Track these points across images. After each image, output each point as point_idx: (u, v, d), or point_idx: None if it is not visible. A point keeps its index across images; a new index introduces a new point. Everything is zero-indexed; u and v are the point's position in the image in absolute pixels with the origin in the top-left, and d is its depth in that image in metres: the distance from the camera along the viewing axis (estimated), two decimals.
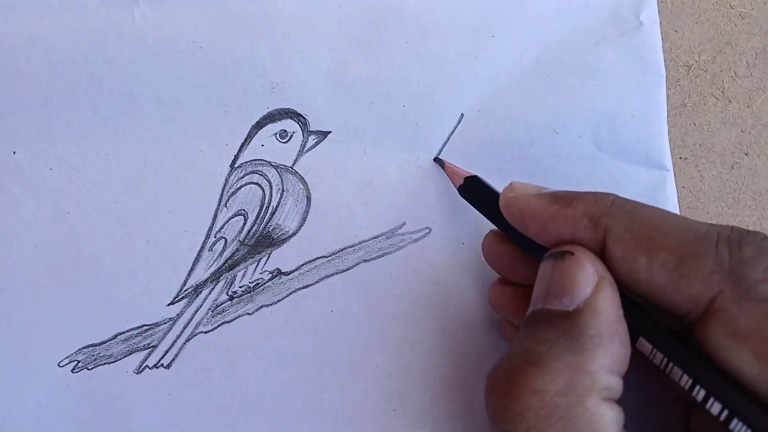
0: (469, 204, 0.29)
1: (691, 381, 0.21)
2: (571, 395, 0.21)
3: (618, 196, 0.23)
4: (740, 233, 0.21)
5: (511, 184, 0.26)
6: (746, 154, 0.35)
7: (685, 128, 0.34)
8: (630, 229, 0.22)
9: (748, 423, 0.20)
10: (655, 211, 0.22)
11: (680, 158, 0.34)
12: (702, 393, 0.21)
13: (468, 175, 0.29)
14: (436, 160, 0.31)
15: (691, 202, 0.34)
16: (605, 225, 0.22)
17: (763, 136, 0.35)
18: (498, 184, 0.28)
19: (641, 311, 0.23)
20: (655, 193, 0.31)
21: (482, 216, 0.28)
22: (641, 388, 0.25)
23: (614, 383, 0.22)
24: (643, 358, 0.23)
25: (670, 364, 0.22)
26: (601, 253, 0.23)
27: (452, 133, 0.31)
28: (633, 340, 0.23)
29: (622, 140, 0.31)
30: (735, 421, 0.20)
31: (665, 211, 0.23)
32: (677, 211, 0.32)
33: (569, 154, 0.31)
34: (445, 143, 0.31)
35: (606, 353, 0.21)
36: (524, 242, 0.26)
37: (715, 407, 0.21)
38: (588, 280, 0.22)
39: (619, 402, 0.22)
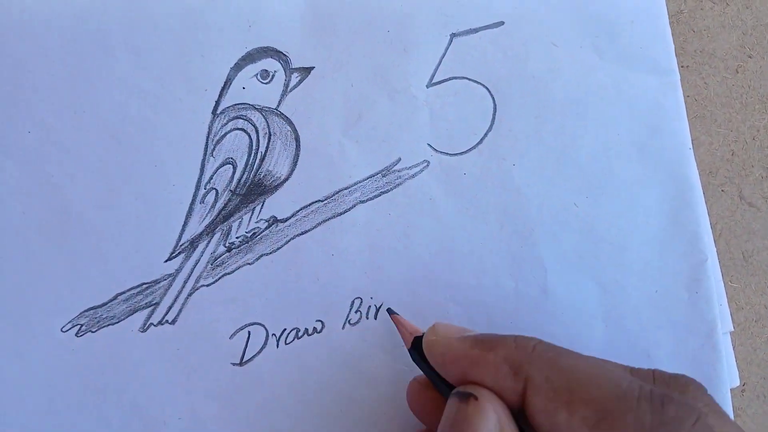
0: (466, 138, 0.23)
1: None
2: None
3: (540, 342, 0.21)
4: (663, 389, 0.19)
5: (434, 325, 0.23)
6: (750, 57, 0.30)
7: (684, 35, 0.29)
8: (550, 379, 0.20)
9: None
10: (579, 361, 0.20)
11: (682, 66, 0.29)
12: None
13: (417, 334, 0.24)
14: (389, 310, 0.26)
15: (698, 111, 0.29)
16: (526, 374, 0.20)
17: (766, 37, 0.30)
18: (499, 109, 0.22)
19: None
20: (666, 101, 0.27)
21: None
22: None
23: None
24: None
25: None
26: (521, 402, 0.20)
27: (443, 55, 0.26)
28: None
29: (624, 47, 0.26)
30: None
31: (590, 359, 0.20)
32: (685, 119, 0.27)
33: (570, 66, 0.26)
34: (437, 67, 0.26)
35: None
36: (446, 389, 0.22)
37: None
38: (488, 430, 0.20)
39: None
